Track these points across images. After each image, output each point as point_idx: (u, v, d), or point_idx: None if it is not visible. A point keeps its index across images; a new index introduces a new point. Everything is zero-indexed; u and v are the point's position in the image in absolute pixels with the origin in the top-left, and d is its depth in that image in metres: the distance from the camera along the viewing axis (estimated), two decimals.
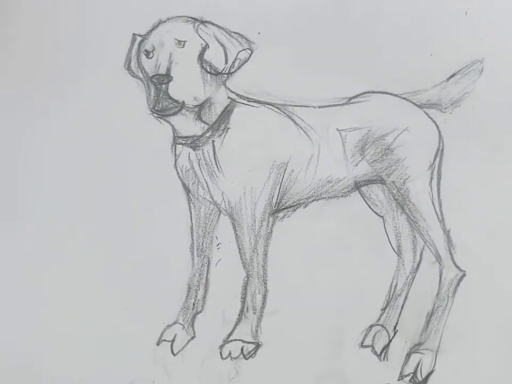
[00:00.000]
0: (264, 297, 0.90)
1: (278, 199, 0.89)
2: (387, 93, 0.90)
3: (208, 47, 0.88)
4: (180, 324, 0.91)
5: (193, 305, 0.91)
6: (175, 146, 0.90)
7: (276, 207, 0.90)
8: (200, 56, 0.88)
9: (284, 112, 0.90)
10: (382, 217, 0.91)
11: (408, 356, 0.90)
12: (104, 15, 0.91)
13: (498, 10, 0.90)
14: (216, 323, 0.91)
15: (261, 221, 0.89)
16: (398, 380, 0.89)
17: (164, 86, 0.87)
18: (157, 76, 0.87)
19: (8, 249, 0.91)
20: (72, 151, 0.91)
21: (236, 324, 0.91)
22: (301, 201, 0.90)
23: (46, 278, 0.91)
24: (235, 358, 0.90)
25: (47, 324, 0.91)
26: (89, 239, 0.91)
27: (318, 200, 0.90)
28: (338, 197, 0.90)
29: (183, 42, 0.88)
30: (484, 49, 0.90)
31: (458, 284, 0.90)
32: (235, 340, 0.90)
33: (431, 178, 0.90)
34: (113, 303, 0.91)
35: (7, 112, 0.92)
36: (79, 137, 0.91)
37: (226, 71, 0.89)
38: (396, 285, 0.90)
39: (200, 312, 0.91)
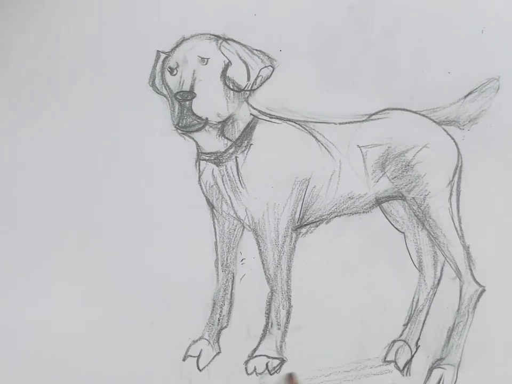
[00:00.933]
0: (288, 313, 0.91)
1: (301, 215, 0.90)
2: (406, 110, 0.91)
3: (231, 64, 0.89)
4: (205, 339, 0.91)
5: (219, 320, 0.91)
6: (199, 162, 0.90)
7: (299, 222, 0.90)
8: (223, 73, 0.89)
9: (305, 129, 0.91)
10: (403, 233, 0.91)
11: (430, 371, 0.90)
12: (128, 32, 0.91)
13: None
14: (241, 338, 0.91)
15: (284, 236, 0.90)
16: None
17: (187, 102, 0.88)
18: (181, 93, 0.88)
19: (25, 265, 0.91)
20: (97, 168, 0.91)
21: (261, 340, 0.91)
22: (323, 217, 0.91)
23: (74, 295, 0.91)
24: (260, 374, 0.90)
25: (73, 339, 0.91)
26: (115, 255, 0.91)
27: (340, 216, 0.91)
28: (360, 213, 0.91)
29: (206, 60, 0.89)
30: (500, 67, 0.91)
31: (478, 299, 0.90)
32: (260, 355, 0.90)
33: (451, 195, 0.90)
34: (140, 319, 0.91)
35: (29, 130, 0.92)
36: (104, 154, 0.91)
37: (249, 88, 0.90)
38: (418, 300, 0.91)
39: (226, 327, 0.91)
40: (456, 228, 0.90)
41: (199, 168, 0.91)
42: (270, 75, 0.91)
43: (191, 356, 0.91)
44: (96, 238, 0.92)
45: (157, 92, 0.91)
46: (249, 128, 0.90)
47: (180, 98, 0.87)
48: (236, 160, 0.90)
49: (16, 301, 0.91)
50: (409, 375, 0.90)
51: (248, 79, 0.90)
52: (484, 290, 0.90)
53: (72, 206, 0.92)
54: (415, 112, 0.92)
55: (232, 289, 0.91)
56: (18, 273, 0.91)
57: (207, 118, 0.88)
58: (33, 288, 0.92)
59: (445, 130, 0.91)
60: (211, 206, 0.91)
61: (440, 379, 0.89)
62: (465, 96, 0.91)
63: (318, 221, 0.91)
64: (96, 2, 0.92)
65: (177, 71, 0.89)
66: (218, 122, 0.89)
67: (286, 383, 0.89)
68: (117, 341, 0.91)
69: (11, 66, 0.92)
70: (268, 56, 0.91)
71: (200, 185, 0.91)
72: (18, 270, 0.91)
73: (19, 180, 0.92)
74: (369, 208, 0.91)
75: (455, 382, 0.90)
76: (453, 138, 0.91)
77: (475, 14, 0.92)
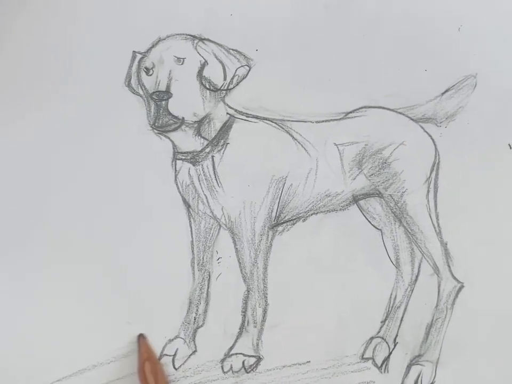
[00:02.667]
0: (265, 311, 0.91)
1: (277, 213, 0.90)
2: (383, 108, 0.91)
3: (207, 64, 0.90)
4: (181, 338, 0.91)
5: (195, 319, 0.91)
6: (175, 161, 0.91)
7: (275, 221, 0.91)
8: (199, 73, 0.89)
9: (282, 127, 0.91)
10: (380, 230, 0.92)
11: (409, 367, 0.90)
12: (104, 32, 0.92)
13: (490, 26, 0.92)
14: (218, 337, 0.91)
15: (261, 235, 0.90)
16: None
17: (163, 102, 0.88)
18: (157, 93, 0.88)
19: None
20: (72, 168, 0.92)
21: (237, 338, 0.91)
22: (300, 215, 0.91)
23: (44, 294, 0.91)
24: (236, 372, 0.90)
25: (45, 338, 0.92)
26: (89, 254, 0.91)
27: (316, 213, 0.91)
28: (337, 210, 0.91)
29: (182, 60, 0.89)
30: (477, 64, 0.92)
31: (456, 296, 0.90)
32: (236, 353, 0.90)
33: (428, 191, 0.91)
34: (115, 318, 0.91)
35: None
36: (78, 153, 0.91)
37: (225, 88, 0.90)
38: (395, 297, 0.91)
39: (201, 326, 0.91)
40: (433, 225, 0.91)
41: (175, 168, 0.91)
42: (247, 74, 0.91)
43: (167, 355, 0.91)
44: (71, 237, 0.92)
45: (132, 92, 0.92)
46: (225, 128, 0.90)
47: (156, 98, 0.88)
48: (213, 159, 0.90)
49: None
50: (387, 372, 0.90)
51: (225, 78, 0.90)
52: (462, 287, 0.90)
53: (45, 206, 0.92)
54: (392, 110, 0.92)
55: (208, 288, 0.91)
56: None
57: (183, 118, 0.88)
58: (4, 284, 0.91)
59: (422, 127, 0.92)
60: (187, 205, 0.91)
61: (418, 376, 0.89)
62: (442, 94, 0.91)
63: (294, 219, 0.91)
64: (72, 2, 0.92)
65: (153, 71, 0.90)
66: (195, 121, 0.89)
67: (138, 346, 0.88)
68: (91, 339, 0.91)
69: None
70: (244, 55, 0.91)
71: (176, 184, 0.91)
72: None
73: None
74: (346, 205, 0.91)
75: (434, 378, 0.89)
76: (430, 136, 0.92)
77: (452, 11, 0.93)
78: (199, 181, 0.90)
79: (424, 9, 0.93)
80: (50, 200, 0.93)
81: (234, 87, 0.91)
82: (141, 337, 0.89)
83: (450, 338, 0.90)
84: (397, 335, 0.91)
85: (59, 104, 0.93)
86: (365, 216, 0.92)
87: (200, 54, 0.90)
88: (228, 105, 0.91)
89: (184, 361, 0.91)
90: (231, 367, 0.90)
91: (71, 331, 0.92)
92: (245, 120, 0.92)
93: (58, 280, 0.92)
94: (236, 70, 0.91)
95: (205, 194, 0.90)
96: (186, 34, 0.92)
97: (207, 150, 0.90)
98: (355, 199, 0.92)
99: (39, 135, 0.93)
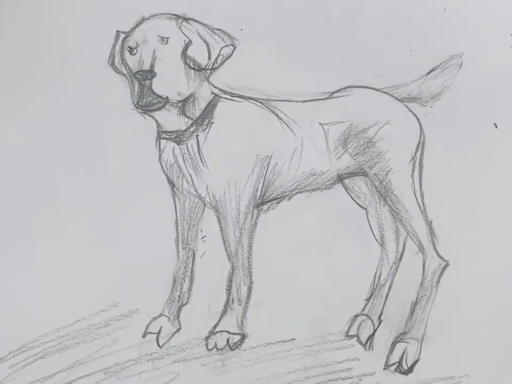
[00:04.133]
0: (249, 289, 0.91)
1: (262, 192, 0.90)
2: (368, 87, 0.91)
3: (191, 43, 0.89)
4: (165, 316, 0.91)
5: (179, 297, 0.91)
6: (159, 141, 0.91)
7: (260, 199, 0.91)
8: (184, 53, 0.89)
9: (267, 107, 0.91)
10: (365, 208, 0.92)
11: (393, 345, 0.91)
12: (88, 12, 0.92)
13: (475, 6, 0.92)
14: (202, 315, 0.91)
15: (245, 213, 0.90)
16: (384, 369, 0.89)
17: (147, 81, 0.88)
18: (141, 72, 0.88)
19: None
20: (55, 147, 0.92)
21: (222, 316, 0.91)
22: (285, 194, 0.91)
23: (32, 275, 0.92)
24: (221, 350, 0.90)
25: (34, 320, 0.91)
26: (74, 234, 0.91)
27: (301, 192, 0.91)
28: (322, 189, 0.91)
29: (166, 39, 0.89)
30: (462, 44, 0.92)
31: (441, 274, 0.91)
32: (221, 331, 0.91)
33: (413, 171, 0.91)
34: (100, 297, 0.91)
35: None
36: (62, 133, 0.92)
37: (210, 67, 0.90)
38: (380, 275, 0.91)
39: (186, 304, 0.92)
40: (418, 203, 0.91)
41: (159, 147, 0.91)
42: (231, 54, 0.91)
43: (151, 333, 0.91)
44: (56, 218, 0.92)
45: (116, 71, 0.92)
46: (210, 107, 0.90)
47: (140, 77, 0.88)
48: (197, 139, 0.90)
49: None
50: (372, 349, 0.91)
51: (209, 58, 0.90)
52: (447, 265, 0.91)
53: (32, 185, 0.92)
54: (377, 90, 0.92)
55: (192, 266, 0.92)
56: None
57: (167, 97, 0.88)
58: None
59: (407, 107, 0.92)
60: (171, 184, 0.92)
61: (403, 353, 0.90)
62: (428, 73, 0.92)
63: (279, 198, 0.91)
64: None
65: (136, 50, 0.89)
66: (179, 101, 0.89)
67: None
68: (77, 319, 0.91)
69: None
70: (228, 35, 0.91)
71: (161, 163, 0.91)
72: None
73: None
74: (331, 184, 0.91)
75: (419, 356, 0.90)
76: (415, 115, 0.92)
77: None
78: (184, 160, 0.90)
79: None
80: (35, 178, 0.93)
81: (219, 66, 0.91)
82: None
83: (435, 316, 0.91)
84: (381, 313, 0.91)
85: (44, 86, 0.93)
86: (349, 195, 0.92)
87: (184, 34, 0.90)
88: (212, 84, 0.91)
89: (169, 339, 0.92)
90: (216, 345, 0.91)
91: (55, 312, 0.92)
92: (230, 99, 0.91)
93: (43, 263, 0.93)
94: (221, 50, 0.91)
95: (189, 173, 0.90)
96: (171, 14, 0.91)
97: (192, 129, 0.90)
98: (340, 178, 0.92)
99: (24, 116, 0.93)
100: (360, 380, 0.89)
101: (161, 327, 0.91)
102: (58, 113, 0.92)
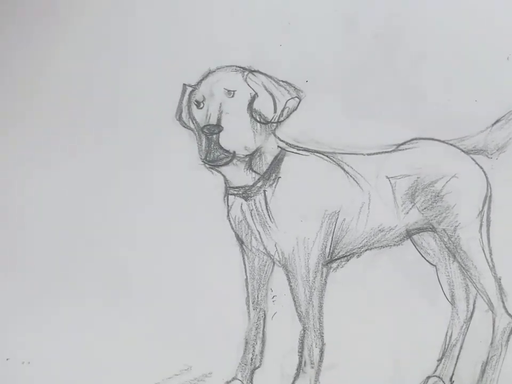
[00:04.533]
0: (322, 351, 0.89)
1: (331, 249, 0.89)
2: (434, 139, 0.90)
3: (257, 96, 0.88)
4: (238, 380, 0.90)
5: (251, 360, 0.90)
6: (227, 197, 0.89)
7: (329, 257, 0.89)
8: (250, 106, 0.88)
9: (333, 160, 0.90)
10: (435, 266, 0.90)
11: None
12: (155, 65, 0.91)
13: None
14: (275, 378, 0.90)
15: (315, 271, 0.88)
16: None
17: (214, 136, 0.87)
18: (208, 126, 0.86)
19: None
20: (125, 204, 0.91)
21: (294, 379, 0.89)
22: (354, 251, 0.90)
23: (108, 340, 0.90)
24: None
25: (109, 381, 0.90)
26: (146, 294, 0.90)
27: (371, 249, 0.90)
28: (391, 245, 0.90)
29: (232, 92, 0.88)
30: None
31: (511, 332, 0.89)
32: None
33: (481, 225, 0.89)
34: (174, 361, 0.90)
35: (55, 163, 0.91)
36: (132, 189, 0.90)
37: (276, 120, 0.89)
38: (451, 334, 0.90)
39: (259, 367, 0.90)
40: (487, 259, 0.89)
41: (227, 203, 0.90)
42: (297, 106, 0.90)
43: None
44: (129, 277, 0.91)
45: (183, 126, 0.91)
46: (276, 161, 0.89)
47: (207, 132, 0.86)
48: (264, 194, 0.88)
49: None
50: None
51: (275, 111, 0.89)
52: None
53: (99, 243, 0.90)
54: (443, 142, 0.90)
55: (264, 327, 0.90)
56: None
57: (234, 152, 0.87)
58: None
59: (473, 159, 0.90)
60: (240, 241, 0.90)
61: None
62: (493, 124, 0.90)
63: (349, 255, 0.90)
64: (123, 35, 0.91)
65: (203, 104, 0.88)
66: (246, 155, 0.88)
67: None
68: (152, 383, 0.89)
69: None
70: (294, 87, 0.90)
71: (229, 220, 0.90)
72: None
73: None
74: (400, 240, 0.90)
75: None
76: (481, 168, 0.91)
77: (500, 41, 0.92)
78: (252, 216, 0.89)
79: (473, 39, 0.92)
80: (103, 236, 0.91)
81: (284, 119, 0.90)
82: None
83: (506, 376, 0.88)
84: (453, 374, 0.90)
85: (112, 140, 0.92)
86: (419, 251, 0.91)
87: (250, 86, 0.89)
88: (278, 138, 0.90)
89: None
90: None
91: (130, 374, 0.90)
92: (296, 153, 0.90)
93: (115, 329, 0.92)
94: (286, 102, 0.90)
95: (258, 230, 0.89)
96: (236, 66, 0.90)
97: (259, 184, 0.88)
98: (409, 234, 0.90)
99: (93, 172, 0.92)
100: None
101: None
102: (127, 170, 0.91)
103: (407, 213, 0.90)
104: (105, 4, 0.92)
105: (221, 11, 0.91)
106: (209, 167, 0.89)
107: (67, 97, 0.91)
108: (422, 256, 0.90)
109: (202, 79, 0.90)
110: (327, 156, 0.90)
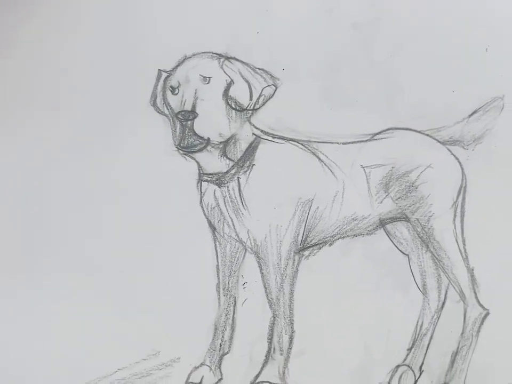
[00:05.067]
0: (291, 338, 0.89)
1: (304, 236, 0.89)
2: (410, 129, 0.90)
3: (233, 83, 0.88)
4: (206, 365, 0.90)
5: (220, 346, 0.90)
6: (201, 183, 0.89)
7: (302, 245, 0.89)
8: (225, 93, 0.88)
9: (308, 149, 0.90)
10: (407, 255, 0.90)
11: None
12: (129, 51, 0.90)
13: None
14: (243, 364, 0.90)
15: (287, 259, 0.88)
16: None
17: (189, 122, 0.86)
18: (183, 112, 0.86)
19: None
20: (95, 187, 0.90)
21: (263, 365, 0.90)
22: (327, 239, 0.90)
23: (72, 323, 0.90)
24: None
25: (76, 367, 0.90)
26: (114, 279, 0.90)
27: (343, 238, 0.90)
28: (364, 234, 0.90)
29: (208, 79, 0.88)
30: (504, 86, 0.90)
31: (482, 323, 0.89)
32: (262, 381, 0.89)
33: (455, 216, 0.90)
34: (141, 345, 0.90)
35: (28, 149, 0.91)
36: (103, 173, 0.90)
37: (251, 107, 0.88)
38: (422, 324, 0.90)
39: (227, 353, 0.90)
40: (460, 250, 0.90)
41: (200, 190, 0.90)
42: (273, 94, 0.90)
43: (192, 383, 0.90)
44: (97, 262, 0.90)
45: (158, 112, 0.90)
46: (251, 148, 0.89)
47: (182, 118, 0.86)
48: (238, 181, 0.88)
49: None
50: None
51: (251, 98, 0.89)
52: (488, 314, 0.89)
53: (71, 228, 0.90)
54: (419, 132, 0.91)
55: (234, 314, 0.90)
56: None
57: (208, 138, 0.87)
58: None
59: (449, 150, 0.90)
60: (213, 228, 0.90)
61: None
62: (470, 116, 0.90)
63: (321, 243, 0.90)
64: (97, 20, 0.91)
65: (178, 90, 0.88)
66: (220, 142, 0.88)
67: None
68: (117, 367, 0.90)
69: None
70: (270, 75, 0.90)
71: (202, 206, 0.90)
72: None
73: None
74: (373, 229, 0.90)
75: None
76: (457, 158, 0.90)
77: (479, 32, 0.92)
78: (225, 203, 0.89)
79: (451, 30, 0.92)
80: (74, 219, 0.92)
81: (260, 107, 0.90)
82: None
83: (475, 366, 0.89)
84: (422, 363, 0.90)
85: (85, 125, 0.92)
86: (391, 240, 0.91)
87: (226, 73, 0.89)
88: (253, 125, 0.90)
89: None
90: None
91: (93, 361, 0.90)
92: (271, 141, 0.90)
93: (82, 309, 0.91)
94: (262, 90, 0.89)
95: (230, 217, 0.89)
96: (213, 53, 0.90)
97: (233, 171, 0.88)
98: (382, 223, 0.90)
99: (65, 157, 0.92)
100: None
101: (202, 376, 0.89)
102: (99, 154, 0.90)
103: (381, 202, 0.90)
104: None
105: None
106: (183, 153, 0.89)
107: (39, 83, 0.91)
108: (395, 245, 0.91)
109: (178, 65, 0.90)
110: (302, 144, 0.90)
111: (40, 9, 0.92)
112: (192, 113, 0.86)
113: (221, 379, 0.90)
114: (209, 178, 0.88)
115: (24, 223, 0.91)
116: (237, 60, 0.90)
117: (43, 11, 0.92)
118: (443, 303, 0.90)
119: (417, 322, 0.90)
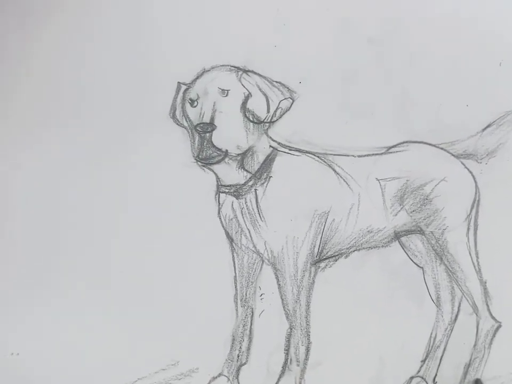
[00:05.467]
0: (308, 349, 0.90)
1: (320, 248, 0.90)
2: (425, 143, 0.91)
3: (251, 96, 0.89)
4: (224, 376, 0.91)
5: (238, 356, 0.91)
6: (219, 195, 0.90)
7: (318, 256, 0.90)
8: (243, 105, 0.88)
9: (325, 161, 0.91)
10: (422, 268, 0.91)
11: None
12: (149, 63, 0.91)
13: None
14: (261, 375, 0.90)
15: (303, 271, 0.89)
16: None
17: (207, 134, 0.87)
18: (201, 125, 0.87)
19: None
20: (115, 198, 0.91)
21: (280, 376, 0.90)
22: (342, 251, 0.91)
23: (93, 334, 0.91)
24: None
25: (96, 377, 0.91)
26: (133, 290, 0.91)
27: (359, 250, 0.91)
28: (379, 247, 0.91)
29: (226, 91, 0.88)
30: None
31: (494, 335, 0.90)
32: None
33: (468, 229, 0.91)
34: (161, 355, 0.91)
35: (48, 161, 0.92)
36: (122, 185, 0.91)
37: (268, 120, 0.89)
38: (435, 336, 0.91)
39: (245, 364, 0.91)
40: (473, 263, 0.91)
41: (218, 201, 0.90)
42: (290, 107, 0.91)
43: None
44: (116, 273, 0.91)
45: (177, 124, 0.91)
46: (268, 161, 0.90)
47: (200, 130, 0.87)
48: (255, 193, 0.89)
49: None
50: None
51: (268, 111, 0.90)
52: (500, 326, 0.90)
53: (89, 239, 0.91)
54: (434, 145, 0.91)
55: (251, 324, 0.91)
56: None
57: (227, 150, 0.88)
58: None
59: (463, 163, 0.91)
60: (230, 239, 0.91)
61: None
62: (483, 130, 0.91)
63: (337, 255, 0.91)
64: (118, 34, 0.92)
65: (197, 102, 0.89)
66: (238, 154, 0.88)
67: None
68: (136, 378, 0.90)
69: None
70: (287, 88, 0.91)
71: (220, 218, 0.90)
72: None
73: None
74: (388, 242, 0.91)
75: None
76: (470, 172, 0.91)
77: (493, 46, 0.93)
78: (242, 214, 0.90)
79: (465, 44, 0.92)
80: (92, 233, 0.92)
81: (277, 119, 0.91)
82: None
83: (488, 378, 0.90)
84: (436, 375, 0.91)
85: (106, 137, 0.92)
86: (406, 253, 0.92)
87: (244, 86, 0.89)
88: (271, 138, 0.91)
89: None
90: None
91: (116, 368, 0.91)
92: (288, 153, 0.91)
93: (101, 322, 0.92)
94: (279, 103, 0.90)
95: (248, 229, 0.90)
96: (231, 66, 0.91)
97: (250, 183, 0.89)
98: (397, 236, 0.91)
99: (86, 169, 0.92)
100: None
101: None
102: (119, 166, 0.91)
103: (396, 215, 0.91)
104: (103, 2, 0.92)
105: (216, 12, 0.91)
106: (202, 165, 0.90)
107: (60, 94, 0.91)
108: (410, 258, 0.91)
109: (197, 78, 0.90)
110: (318, 157, 0.91)
111: (61, 20, 0.92)
112: (210, 126, 0.87)
113: None
114: (227, 190, 0.89)
115: (42, 235, 0.92)
116: (255, 73, 0.90)
117: (65, 23, 0.92)
118: (456, 316, 0.91)
119: (431, 334, 0.91)
